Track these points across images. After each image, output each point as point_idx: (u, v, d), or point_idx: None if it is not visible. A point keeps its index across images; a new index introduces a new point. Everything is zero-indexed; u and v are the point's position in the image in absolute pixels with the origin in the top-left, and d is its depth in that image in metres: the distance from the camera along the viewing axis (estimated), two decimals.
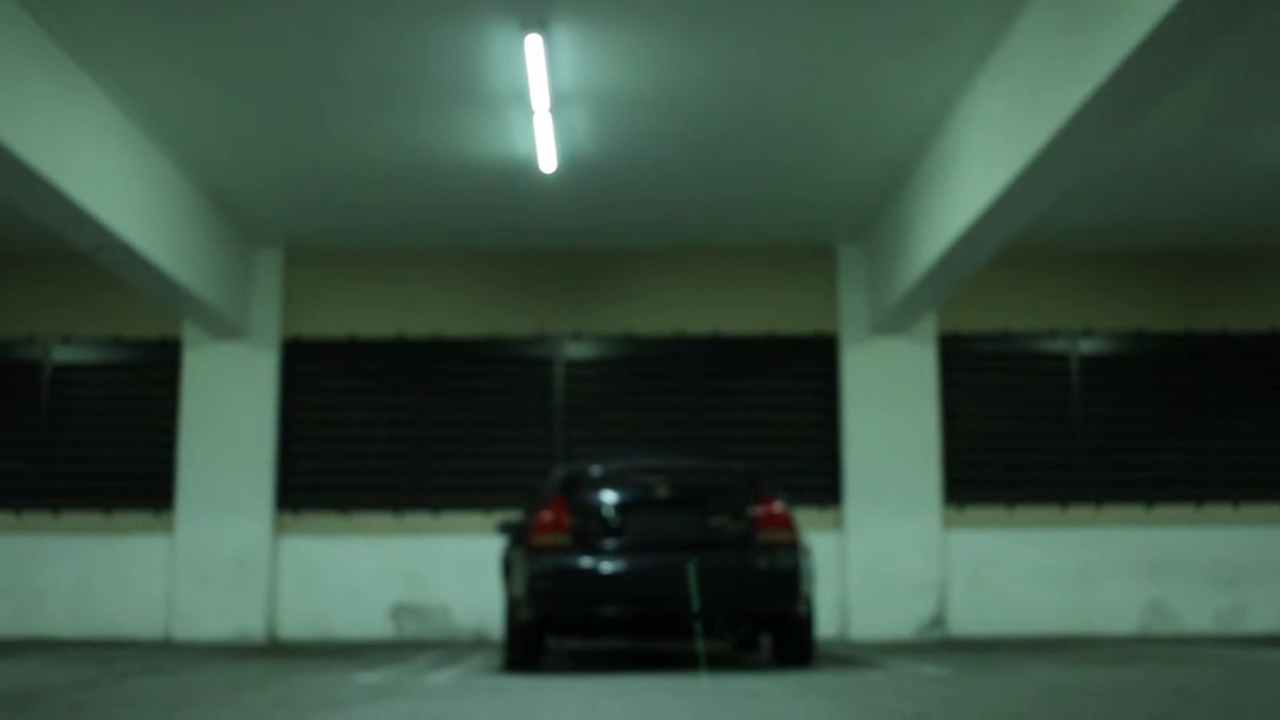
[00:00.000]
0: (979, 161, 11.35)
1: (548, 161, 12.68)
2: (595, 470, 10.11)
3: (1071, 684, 8.17)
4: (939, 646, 13.29)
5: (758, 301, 16.00)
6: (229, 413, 15.52)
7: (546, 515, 9.78)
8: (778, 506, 9.87)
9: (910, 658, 11.13)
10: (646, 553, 9.65)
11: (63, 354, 16.00)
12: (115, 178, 11.70)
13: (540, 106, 11.35)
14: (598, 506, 9.80)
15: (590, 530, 9.71)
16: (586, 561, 9.58)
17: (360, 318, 15.99)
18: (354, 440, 15.79)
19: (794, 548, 9.78)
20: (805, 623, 10.00)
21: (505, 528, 11.35)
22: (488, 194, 14.00)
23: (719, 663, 10.85)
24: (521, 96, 11.40)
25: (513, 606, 9.96)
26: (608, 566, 9.57)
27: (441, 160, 13.04)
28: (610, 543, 9.67)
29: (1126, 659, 10.70)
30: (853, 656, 11.42)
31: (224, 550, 15.26)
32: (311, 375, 15.94)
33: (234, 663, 11.04)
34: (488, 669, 10.11)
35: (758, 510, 9.82)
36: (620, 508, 9.80)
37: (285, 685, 8.49)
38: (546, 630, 9.97)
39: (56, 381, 15.95)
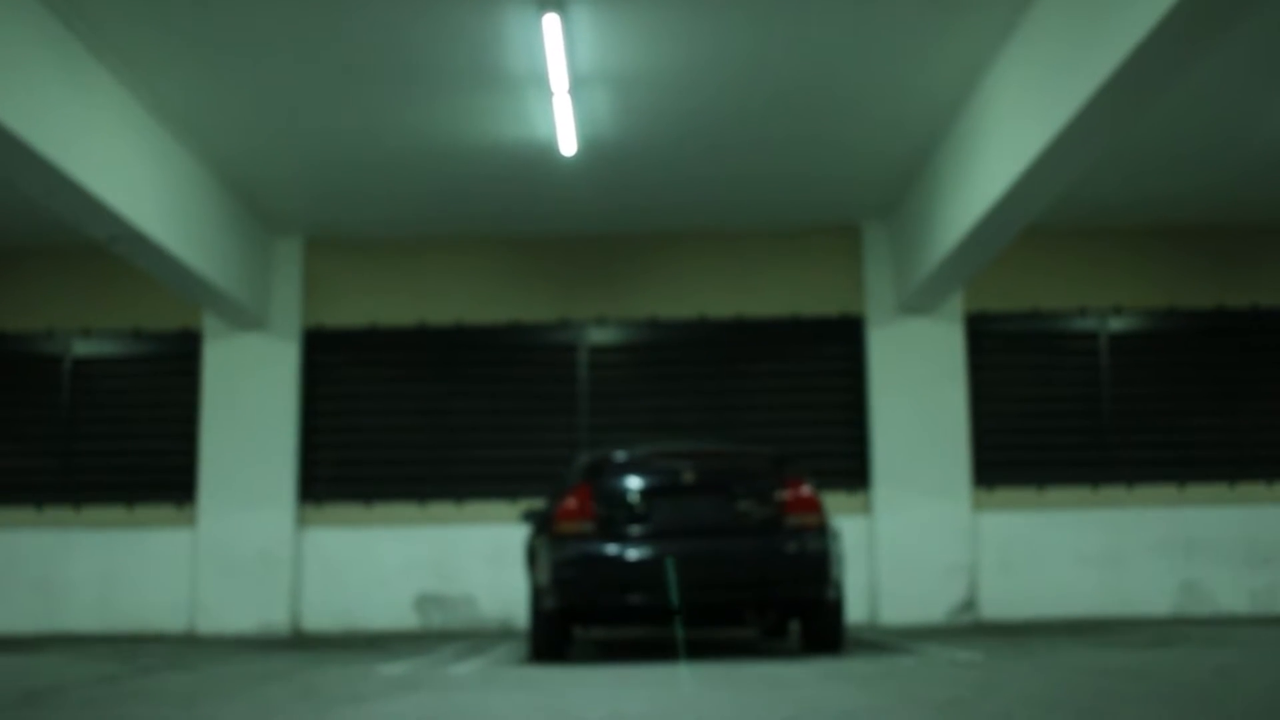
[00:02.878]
0: (1005, 136, 11.15)
1: (568, 144, 12.52)
2: (620, 456, 9.95)
3: (1108, 667, 7.99)
4: (970, 630, 13.11)
5: (782, 283, 15.82)
6: (250, 404, 15.42)
7: (571, 502, 9.63)
8: (806, 490, 9.70)
9: (941, 642, 10.95)
10: (672, 539, 9.49)
11: (83, 347, 15.91)
12: (129, 166, 11.57)
13: (559, 88, 11.19)
14: (623, 493, 9.64)
15: (615, 517, 9.55)
16: (612, 549, 9.42)
17: (381, 306, 15.87)
18: (376, 430, 15.67)
19: (823, 531, 9.60)
20: (835, 608, 9.83)
21: (530, 516, 11.19)
22: (508, 179, 13.84)
23: (747, 650, 10.69)
24: (540, 78, 11.24)
25: (537, 595, 9.81)
26: (633, 553, 9.41)
27: (461, 145, 12.88)
28: (636, 529, 9.51)
29: (1163, 641, 10.50)
30: (883, 642, 11.25)
31: (247, 543, 15.17)
32: (333, 365, 15.81)
33: (258, 656, 10.92)
34: (513, 659, 9.96)
35: (785, 494, 9.64)
36: (645, 493, 9.63)
37: (307, 678, 8.36)
38: (572, 619, 9.81)
39: (77, 375, 15.86)
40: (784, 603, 9.78)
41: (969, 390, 15.47)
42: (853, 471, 15.40)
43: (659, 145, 13.05)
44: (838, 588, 9.77)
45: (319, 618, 15.25)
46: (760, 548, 9.51)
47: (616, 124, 12.40)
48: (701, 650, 10.57)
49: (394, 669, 9.05)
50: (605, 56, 10.92)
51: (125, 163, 11.49)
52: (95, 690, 7.62)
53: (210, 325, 15.56)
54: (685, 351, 15.74)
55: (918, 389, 15.31)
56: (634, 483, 9.70)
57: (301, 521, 15.41)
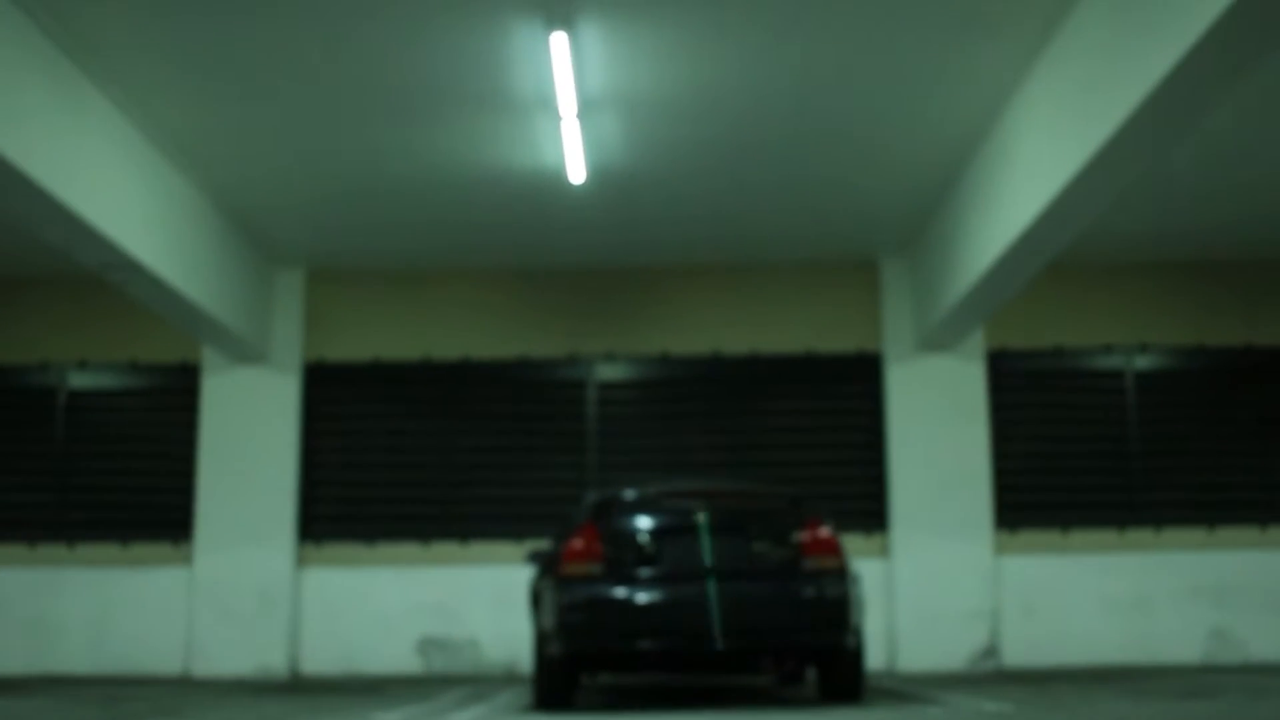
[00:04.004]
0: (1030, 167, 10.75)
1: (576, 172, 12.11)
2: (629, 494, 9.49)
3: (1143, 718, 7.51)
4: (992, 678, 12.63)
5: (798, 319, 15.43)
6: (250, 440, 15.01)
7: (577, 542, 9.16)
8: (824, 531, 9.23)
9: (965, 691, 10.46)
10: (684, 582, 9.02)
11: (78, 380, 15.52)
12: (122, 192, 11.18)
13: (567, 111, 10.78)
14: (632, 533, 9.17)
15: (624, 558, 9.08)
16: (620, 591, 8.94)
17: (385, 340, 15.49)
18: (379, 467, 15.26)
19: (842, 575, 9.13)
20: (855, 655, 9.35)
21: (535, 557, 10.74)
22: (515, 208, 13.43)
23: (761, 698, 10.19)
24: (548, 101, 10.84)
25: (542, 640, 9.34)
26: (643, 597, 8.94)
27: (467, 172, 12.48)
28: (645, 571, 9.04)
29: (1200, 691, 9.99)
30: (903, 690, 10.75)
31: (245, 583, 14.73)
32: (335, 400, 15.42)
33: (250, 701, 10.48)
34: (515, 708, 9.50)
35: (803, 535, 9.18)
36: (656, 534, 9.16)
37: None
38: (578, 666, 9.32)
39: (72, 409, 15.46)
40: (801, 649, 9.29)
41: (990, 430, 15.02)
42: (870, 513, 14.93)
43: (670, 174, 12.65)
44: (858, 634, 9.29)
45: (318, 660, 14.78)
46: (777, 591, 9.04)
47: (626, 151, 12.00)
48: (715, 698, 10.07)
49: (390, 717, 8.58)
50: (615, 78, 10.52)
51: (119, 189, 11.10)
52: None
53: (209, 359, 15.17)
54: (698, 388, 15.32)
55: (938, 428, 14.87)
56: (644, 522, 9.23)
57: (301, 561, 14.97)
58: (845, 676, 9.40)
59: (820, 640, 9.07)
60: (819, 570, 9.09)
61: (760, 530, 9.21)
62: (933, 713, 8.27)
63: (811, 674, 12.11)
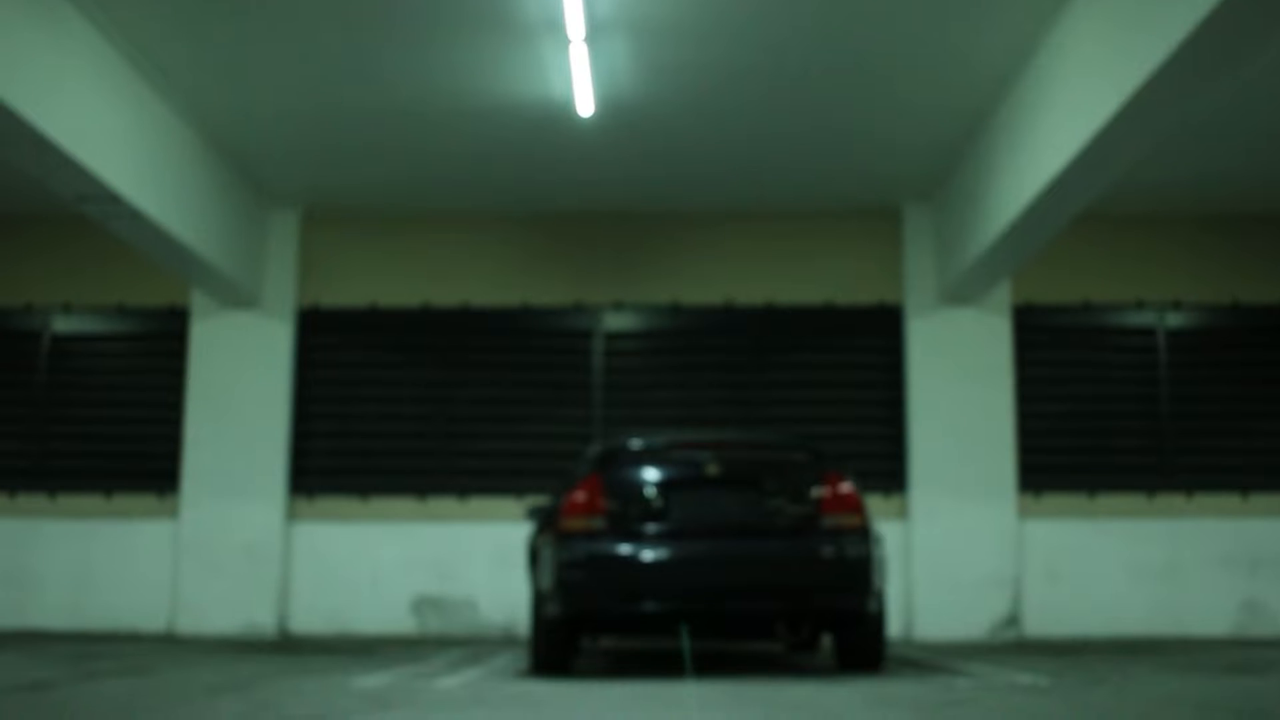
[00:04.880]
0: (1065, 108, 10.08)
1: (585, 103, 11.40)
2: (636, 444, 8.83)
3: (1196, 696, 6.84)
4: (1015, 649, 12.00)
5: (816, 269, 14.74)
6: (240, 388, 14.37)
7: (579, 495, 8.50)
8: (846, 486, 8.57)
9: (990, 662, 9.80)
10: (694, 539, 8.37)
11: (62, 324, 14.87)
12: (102, 119, 10.52)
13: (576, 35, 10.06)
14: (639, 485, 8.51)
15: (629, 513, 8.43)
16: (624, 548, 8.30)
17: (382, 285, 14.82)
18: (375, 418, 14.61)
19: (864, 534, 8.48)
20: (876, 621, 8.71)
21: (534, 512, 10.08)
22: (520, 142, 12.70)
23: (772, 666, 9.54)
24: (555, 24, 10.11)
25: (539, 600, 8.69)
26: (649, 554, 8.29)
27: (469, 101, 11.74)
28: (652, 527, 8.39)
29: (1243, 665, 9.33)
30: (925, 660, 10.10)
31: (233, 537, 14.10)
32: (329, 347, 14.77)
33: (231, 660, 9.88)
34: (511, 671, 8.86)
35: (823, 491, 8.51)
36: (664, 487, 8.50)
37: (271, 689, 7.27)
38: (578, 628, 8.68)
39: (55, 354, 14.81)
40: (819, 614, 8.66)
41: (1015, 388, 14.34)
42: (889, 473, 14.27)
43: (683, 108, 11.94)
44: (880, 598, 8.65)
45: (308, 619, 14.18)
46: (793, 550, 8.39)
47: (638, 81, 11.29)
48: (724, 666, 9.42)
49: (374, 681, 7.95)
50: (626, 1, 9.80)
51: (98, 115, 10.44)
52: (12, 699, 6.52)
53: (198, 303, 14.51)
54: (709, 340, 14.65)
55: (960, 385, 14.18)
56: (651, 474, 8.57)
57: (292, 515, 14.35)
58: (865, 644, 8.77)
59: (840, 604, 8.43)
60: (839, 528, 8.45)
61: (776, 485, 8.55)
62: (961, 684, 7.62)
63: (826, 640, 11.45)
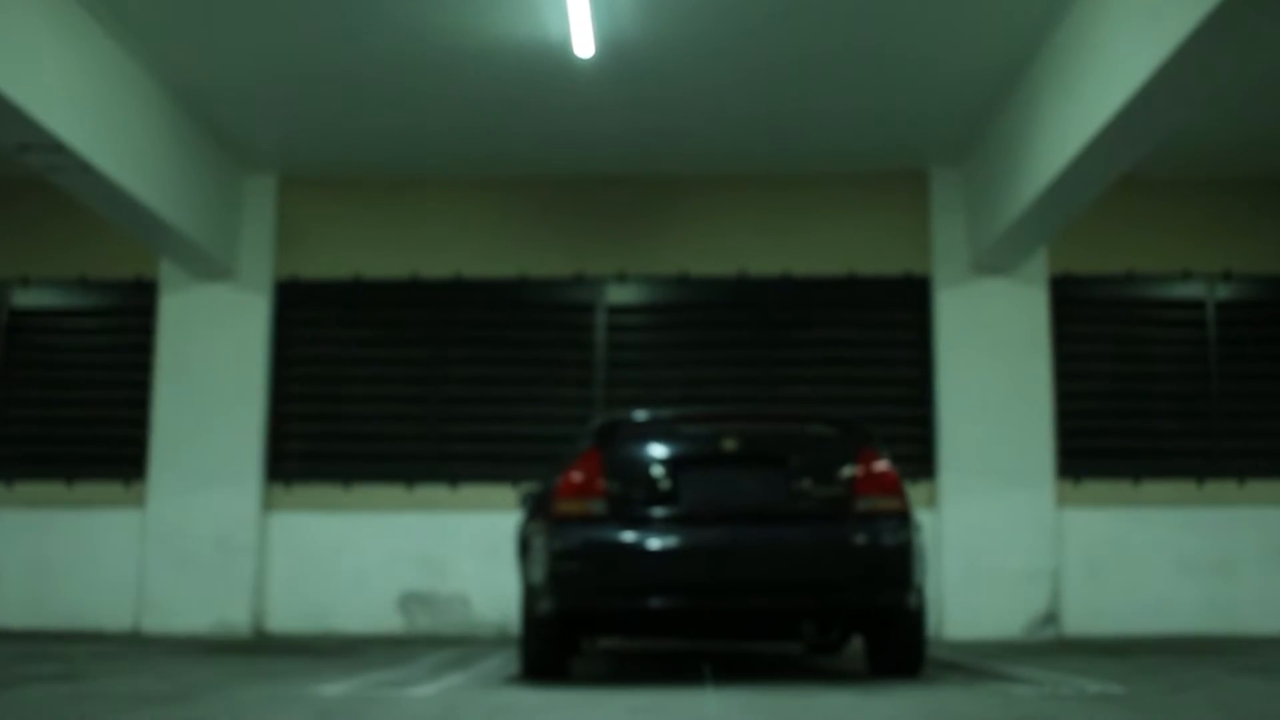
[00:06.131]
0: (1109, 56, 9.17)
1: (584, 42, 10.29)
2: (641, 417, 7.73)
3: None
4: (1056, 648, 10.97)
5: (836, 236, 13.67)
6: (212, 366, 13.32)
7: (575, 475, 7.40)
8: (882, 465, 7.46)
9: (1039, 665, 8.71)
10: (707, 525, 7.27)
11: (21, 298, 13.81)
12: (48, 62, 9.51)
13: None
14: (644, 464, 7.42)
15: (633, 495, 7.33)
16: (627, 536, 7.21)
17: (366, 256, 13.78)
18: (358, 399, 13.58)
19: (904, 519, 7.38)
20: (916, 620, 7.61)
21: (528, 498, 8.97)
22: (514, 89, 11.53)
23: (794, 670, 8.44)
24: None
25: (530, 596, 7.59)
26: (655, 542, 7.19)
27: (459, 42, 10.57)
28: (659, 511, 7.29)
29: None
30: (964, 663, 9.00)
31: (204, 528, 13.04)
32: (310, 323, 13.74)
33: (191, 663, 8.84)
34: (500, 677, 7.78)
35: (856, 470, 7.40)
36: (673, 465, 7.40)
37: (211, 700, 6.19)
38: (573, 627, 7.61)
39: (13, 329, 13.76)
40: (853, 611, 7.57)
41: (1053, 365, 13.28)
42: (916, 458, 13.18)
43: (691, 53, 10.85)
44: (920, 593, 7.54)
45: (286, 617, 13.12)
46: (823, 538, 7.28)
47: (643, 19, 10.19)
48: (739, 670, 8.32)
49: (335, 689, 6.85)
50: None
51: (40, 54, 9.40)
52: None
53: (167, 275, 13.46)
54: (721, 314, 13.60)
55: (993, 362, 13.14)
56: (659, 451, 7.47)
57: (268, 505, 13.32)
58: (903, 645, 7.66)
59: (876, 599, 7.34)
60: (875, 512, 7.35)
61: (803, 462, 7.44)
62: (1023, 694, 6.52)
63: (858, 641, 10.34)
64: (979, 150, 12.87)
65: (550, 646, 7.49)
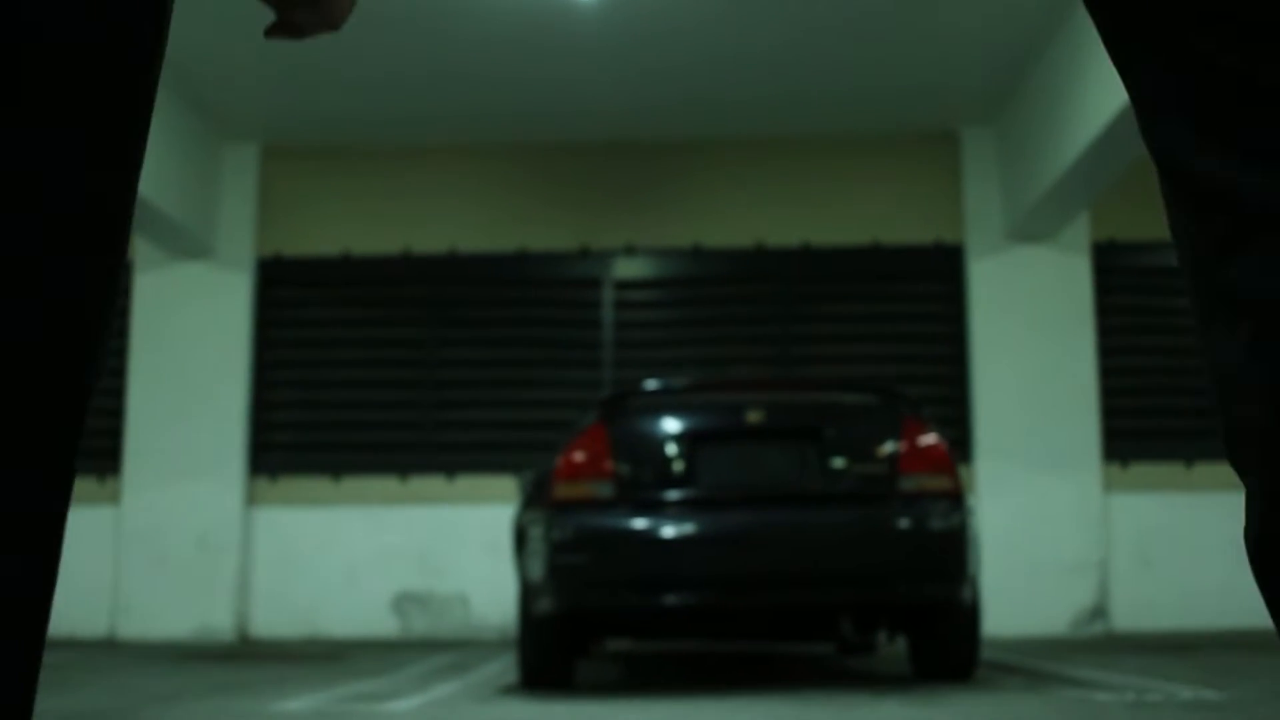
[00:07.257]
0: None
1: None
2: (652, 387, 6.80)
3: None
4: (1109, 645, 10.13)
5: (861, 203, 12.86)
6: (191, 351, 12.54)
7: (577, 454, 6.47)
8: (930, 438, 6.56)
9: (1099, 666, 7.78)
10: (730, 509, 6.35)
11: None
12: None
13: None
14: (656, 440, 6.49)
15: (644, 476, 6.41)
16: (637, 523, 6.29)
17: (355, 231, 12.98)
18: (348, 385, 12.80)
19: (956, 501, 6.48)
20: (970, 616, 6.72)
21: (526, 484, 8.05)
22: (514, 45, 10.66)
23: (827, 673, 7.51)
24: None
25: (528, 594, 6.67)
26: (670, 530, 6.26)
27: None
28: (674, 494, 6.36)
29: None
30: (1016, 664, 8.08)
31: (184, 526, 12.23)
32: (295, 303, 12.99)
33: (157, 674, 8.01)
34: (496, 685, 6.86)
35: (900, 445, 6.47)
36: (690, 441, 6.46)
37: (165, 718, 5.27)
38: (578, 628, 6.67)
39: None
40: (898, 605, 6.64)
41: (1098, 340, 12.45)
42: (950, 442, 12.27)
43: (704, 8, 9.98)
44: (974, 586, 6.63)
45: (272, 620, 12.28)
46: (862, 523, 6.36)
47: None
48: (768, 676, 7.38)
49: (300, 704, 5.91)
50: None
51: None
52: None
53: (142, 253, 12.62)
54: (737, 288, 12.82)
55: (1032, 337, 12.34)
56: (672, 425, 6.53)
57: (252, 500, 12.51)
58: (954, 644, 6.78)
59: (925, 592, 6.43)
60: (922, 492, 6.45)
61: (838, 436, 6.50)
62: (1103, 700, 5.56)
63: (900, 639, 9.43)
64: (1015, 104, 12.01)
65: (551, 651, 6.57)
